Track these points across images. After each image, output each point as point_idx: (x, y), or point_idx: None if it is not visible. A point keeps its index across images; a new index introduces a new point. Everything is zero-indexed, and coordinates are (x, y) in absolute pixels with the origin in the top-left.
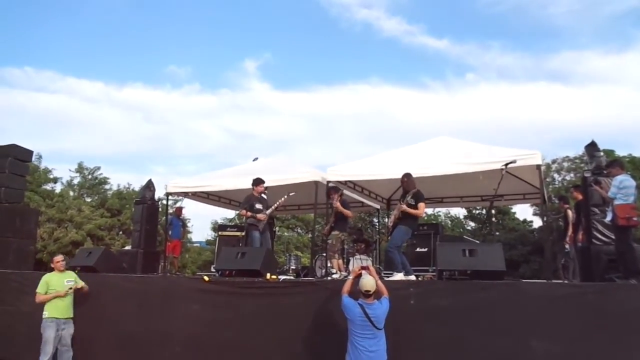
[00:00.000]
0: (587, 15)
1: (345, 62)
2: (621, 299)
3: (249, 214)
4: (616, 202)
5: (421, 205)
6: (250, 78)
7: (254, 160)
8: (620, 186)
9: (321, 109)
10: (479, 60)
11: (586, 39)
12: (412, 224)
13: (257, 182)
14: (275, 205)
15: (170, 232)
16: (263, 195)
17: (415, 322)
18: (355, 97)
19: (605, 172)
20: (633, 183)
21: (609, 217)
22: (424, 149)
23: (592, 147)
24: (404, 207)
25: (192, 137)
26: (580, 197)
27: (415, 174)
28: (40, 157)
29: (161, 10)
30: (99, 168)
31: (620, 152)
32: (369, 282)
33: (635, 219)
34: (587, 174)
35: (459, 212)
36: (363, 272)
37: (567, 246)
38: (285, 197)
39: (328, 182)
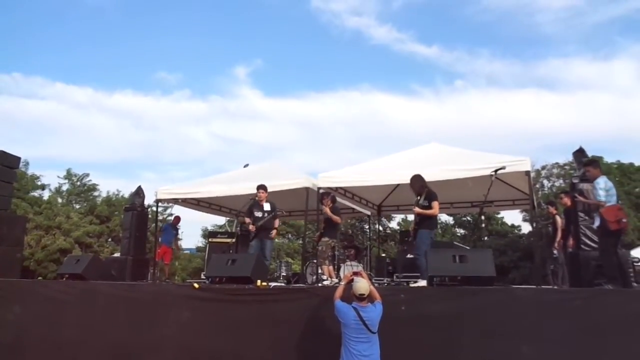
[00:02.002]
0: (574, 24)
1: (336, 69)
2: (609, 305)
3: (247, 220)
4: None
5: (435, 204)
6: (240, 84)
7: (244, 166)
8: (606, 187)
9: (312, 116)
10: (468, 67)
11: (573, 47)
12: (431, 225)
13: (256, 188)
14: (262, 222)
15: (160, 238)
16: (262, 201)
17: (406, 328)
18: (346, 104)
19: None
20: (612, 183)
21: (597, 223)
22: (414, 155)
23: (580, 153)
24: (418, 209)
25: (182, 143)
26: (569, 203)
27: (405, 180)
28: (27, 163)
29: (151, 16)
30: (87, 175)
31: (609, 159)
32: (362, 285)
33: (624, 220)
34: (576, 180)
35: (448, 218)
36: (355, 277)
37: (555, 252)
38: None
39: (319, 188)
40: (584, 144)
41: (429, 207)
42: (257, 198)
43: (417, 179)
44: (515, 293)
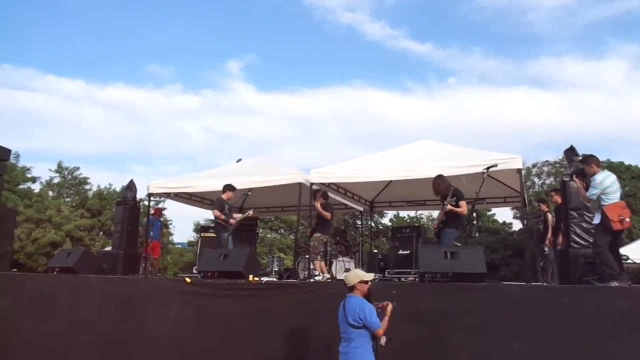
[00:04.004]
0: (566, 23)
1: (329, 64)
2: (597, 302)
3: (223, 216)
4: (603, 203)
5: (463, 203)
6: (233, 79)
7: (237, 161)
8: (601, 186)
9: (305, 111)
10: (461, 64)
11: (565, 46)
12: (457, 224)
13: (232, 188)
14: (243, 215)
15: (151, 233)
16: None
17: (397, 324)
18: (339, 100)
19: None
20: (613, 178)
21: (597, 220)
22: (407, 151)
23: (571, 151)
24: (450, 207)
25: (174, 137)
26: (559, 200)
27: (398, 176)
28: (17, 155)
29: (144, 10)
30: (78, 168)
31: (599, 157)
32: (347, 275)
33: (627, 219)
34: (567, 178)
35: None
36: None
37: (546, 249)
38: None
39: (311, 184)
40: (575, 142)
41: (457, 206)
42: (225, 196)
43: (442, 180)
44: (506, 290)
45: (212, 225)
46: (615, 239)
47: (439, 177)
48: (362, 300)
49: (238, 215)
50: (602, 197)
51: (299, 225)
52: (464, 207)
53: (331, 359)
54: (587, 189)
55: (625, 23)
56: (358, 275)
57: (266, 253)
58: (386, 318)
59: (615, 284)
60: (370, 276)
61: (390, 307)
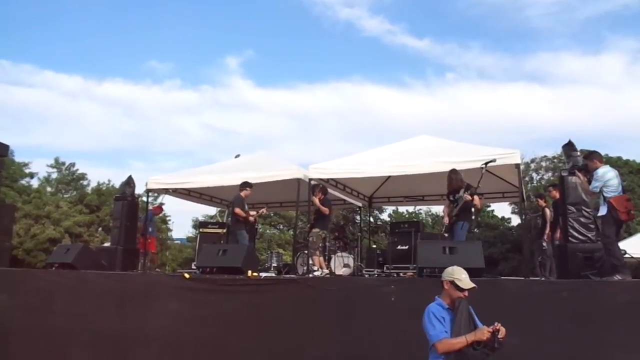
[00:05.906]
0: (564, 18)
1: (328, 60)
2: (595, 296)
3: (244, 214)
4: (608, 195)
5: (476, 197)
6: (231, 75)
7: (235, 157)
8: (603, 179)
9: (303, 107)
10: (459, 60)
11: (563, 41)
12: (469, 217)
13: (250, 186)
14: (258, 214)
15: (150, 229)
16: None
17: (395, 319)
18: (337, 95)
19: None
20: (615, 172)
21: (603, 211)
22: (405, 147)
23: (569, 146)
24: (468, 197)
25: (173, 133)
26: (558, 195)
27: (397, 172)
28: (12, 152)
29: (142, 5)
30: (74, 164)
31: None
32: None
33: (632, 212)
34: (565, 173)
35: (440, 210)
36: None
37: (544, 244)
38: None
39: (310, 179)
40: (573, 137)
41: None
42: (246, 196)
43: (456, 174)
44: (504, 284)
45: (226, 222)
46: (619, 231)
47: (453, 172)
48: (437, 303)
49: (253, 213)
50: (604, 189)
51: (298, 220)
52: (477, 201)
53: (329, 354)
54: (589, 183)
55: (623, 18)
56: (452, 273)
57: (265, 249)
58: (464, 338)
59: (618, 277)
60: (467, 284)
61: (481, 331)
